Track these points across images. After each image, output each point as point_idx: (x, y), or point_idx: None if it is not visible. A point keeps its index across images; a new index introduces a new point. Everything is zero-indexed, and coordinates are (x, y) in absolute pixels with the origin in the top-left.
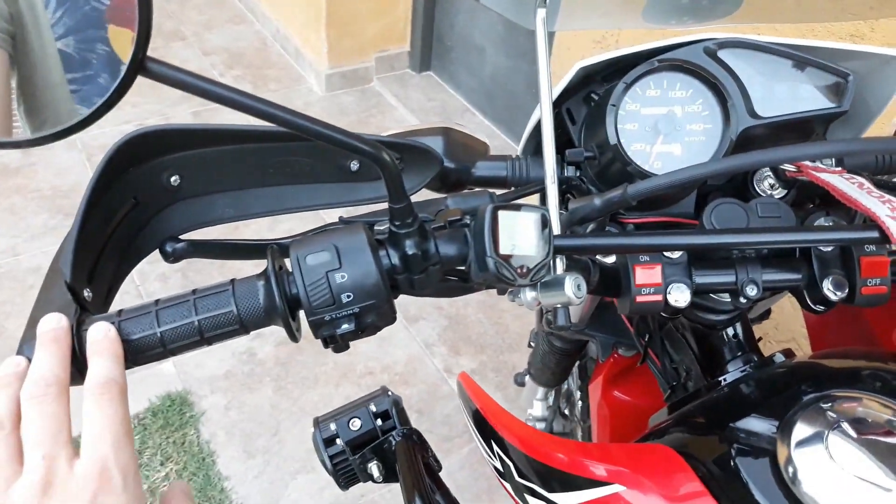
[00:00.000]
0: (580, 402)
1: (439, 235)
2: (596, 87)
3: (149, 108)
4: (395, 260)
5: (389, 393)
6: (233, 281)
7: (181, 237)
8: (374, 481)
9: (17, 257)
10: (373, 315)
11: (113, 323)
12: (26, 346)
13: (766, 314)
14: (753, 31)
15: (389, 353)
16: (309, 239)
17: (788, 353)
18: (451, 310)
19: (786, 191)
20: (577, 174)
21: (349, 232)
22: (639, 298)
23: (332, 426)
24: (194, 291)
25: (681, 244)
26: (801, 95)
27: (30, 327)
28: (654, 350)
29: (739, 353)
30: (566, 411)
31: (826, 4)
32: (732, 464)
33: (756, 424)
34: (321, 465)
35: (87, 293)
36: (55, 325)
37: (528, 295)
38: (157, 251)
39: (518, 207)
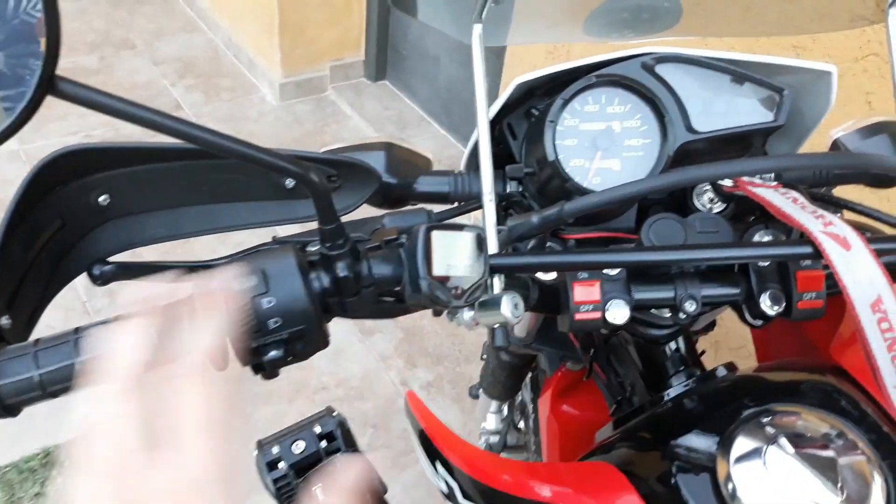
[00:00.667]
0: (532, 415)
1: (373, 256)
2: (536, 103)
3: (96, 119)
4: (326, 283)
5: (335, 413)
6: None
7: (110, 259)
8: None
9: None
10: (302, 341)
11: (28, 354)
12: None
13: (711, 326)
14: (702, 43)
15: (344, 367)
16: (236, 262)
17: (731, 367)
18: (408, 322)
19: (725, 205)
20: (520, 190)
21: (278, 255)
22: (578, 316)
23: (275, 449)
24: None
25: (618, 261)
26: (739, 110)
27: None
28: (600, 364)
29: (682, 368)
30: (520, 424)
31: (766, 18)
32: (673, 481)
33: (697, 440)
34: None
35: (5, 321)
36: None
37: (466, 315)
38: (85, 274)
39: (453, 227)
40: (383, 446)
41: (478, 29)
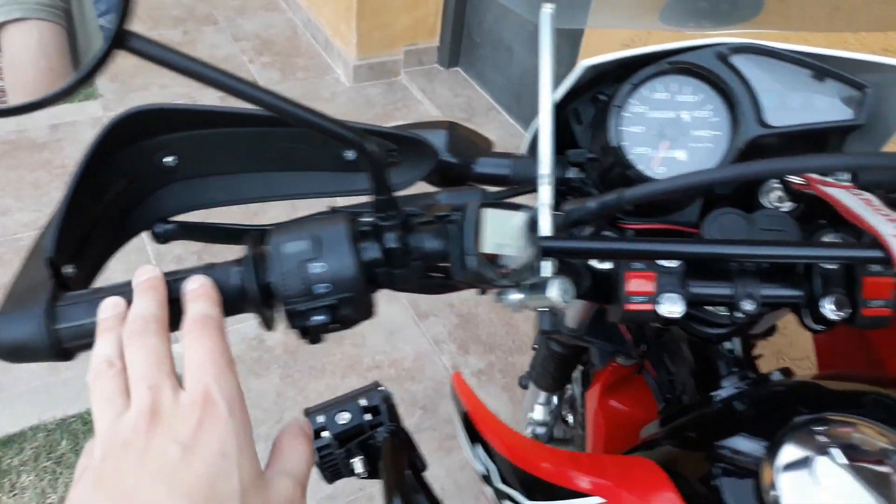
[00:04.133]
0: (581, 410)
1: (424, 230)
2: (605, 88)
3: (177, 90)
4: (376, 253)
5: (381, 388)
6: (211, 265)
7: (172, 219)
8: (358, 476)
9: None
10: (349, 308)
11: (84, 302)
12: (3, 319)
13: (772, 331)
14: (782, 38)
15: (398, 347)
16: (289, 226)
17: (787, 372)
18: (463, 308)
19: (794, 204)
20: (582, 176)
21: (330, 222)
22: (629, 306)
23: (321, 418)
24: (169, 274)
25: (673, 251)
26: (816, 106)
27: (7, 301)
28: (651, 361)
29: (735, 370)
30: (569, 418)
31: (855, 13)
32: (715, 483)
33: (743, 444)
34: None
35: (70, 270)
36: (150, 274)
37: (513, 297)
38: (147, 232)
39: (506, 206)
40: (430, 428)
41: (547, 8)
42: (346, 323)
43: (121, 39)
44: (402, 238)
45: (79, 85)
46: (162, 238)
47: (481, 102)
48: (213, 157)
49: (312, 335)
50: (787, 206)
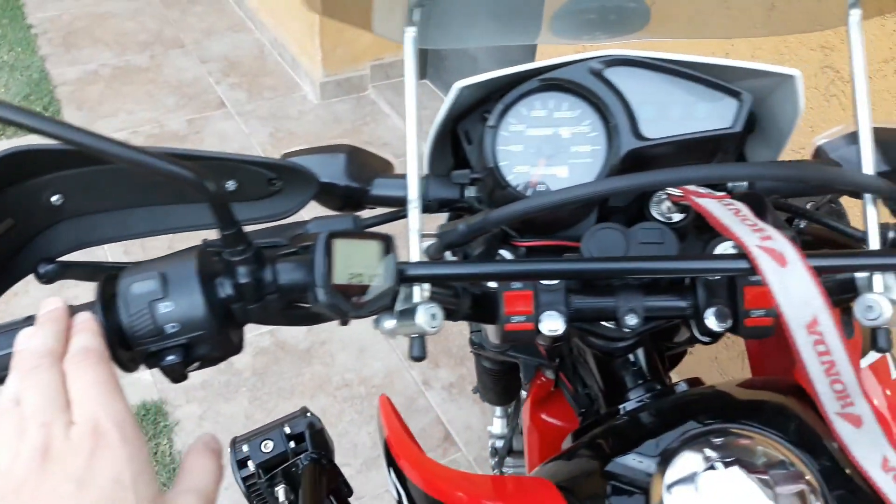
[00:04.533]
0: None
1: (282, 262)
2: (491, 107)
3: (143, 115)
4: (228, 289)
5: (308, 414)
6: (69, 307)
7: (58, 258)
8: None
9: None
10: (205, 346)
11: None
12: None
13: (691, 341)
14: (668, 46)
15: (368, 364)
16: (142, 265)
17: (694, 382)
18: None
19: (683, 215)
20: (477, 196)
21: (181, 259)
22: (509, 326)
23: (245, 448)
24: (26, 319)
25: (538, 271)
26: (695, 115)
27: None
28: (566, 374)
29: (640, 382)
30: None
31: (750, 19)
32: (607, 502)
33: (636, 460)
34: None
35: None
36: (50, 307)
37: (387, 324)
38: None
39: (361, 235)
40: None
41: (410, 32)
42: (208, 361)
43: None
44: (255, 272)
45: None
46: (45, 278)
47: None
48: (97, 193)
49: (172, 375)
50: (677, 216)
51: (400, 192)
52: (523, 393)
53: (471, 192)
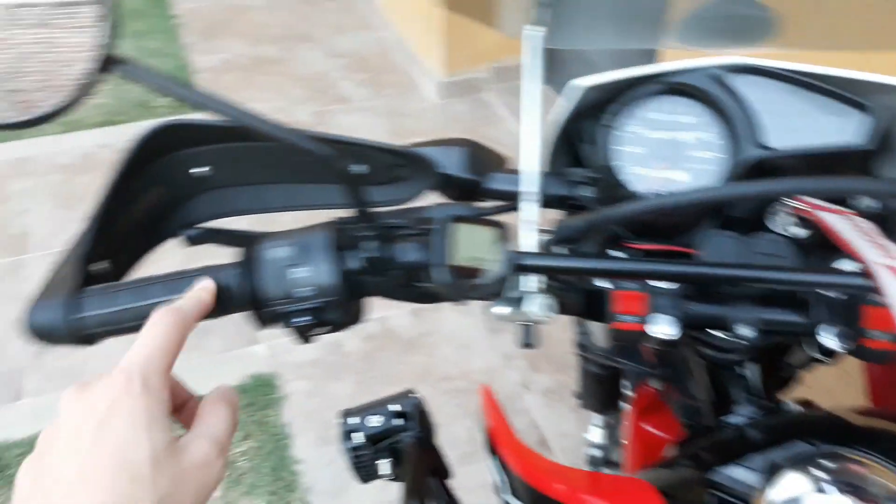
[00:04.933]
0: None
1: (405, 241)
2: (610, 107)
3: (273, 104)
4: (357, 262)
5: (413, 395)
6: (208, 267)
7: (199, 225)
8: (385, 478)
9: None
10: (334, 312)
11: (99, 295)
12: (33, 305)
13: (809, 362)
14: (796, 58)
15: (470, 360)
16: (279, 235)
17: (806, 403)
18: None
19: (807, 230)
20: (591, 195)
21: (316, 230)
22: (616, 325)
23: (355, 419)
24: (175, 273)
25: (648, 271)
26: (821, 129)
27: (41, 290)
28: (674, 384)
29: (750, 397)
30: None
31: (880, 31)
32: None
33: (741, 474)
34: None
35: (105, 265)
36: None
37: (499, 309)
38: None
39: (480, 221)
40: None
41: (530, 30)
42: (335, 325)
43: (107, 64)
44: (380, 248)
45: (63, 110)
46: (191, 241)
47: None
48: (240, 168)
49: (301, 335)
50: (799, 231)
51: (512, 187)
52: (623, 405)
53: (583, 191)
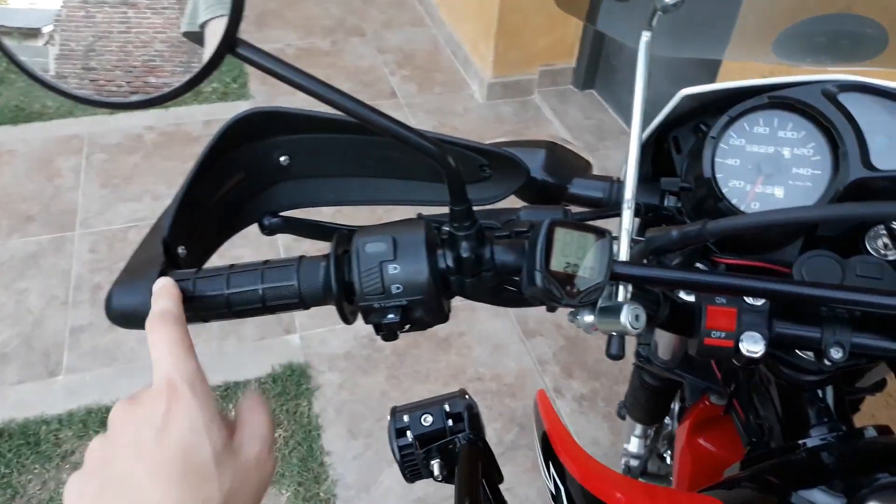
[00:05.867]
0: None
1: (499, 243)
2: (708, 119)
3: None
4: (449, 261)
5: (466, 396)
6: (301, 258)
7: (279, 213)
8: (435, 479)
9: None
10: (420, 310)
11: (189, 279)
12: (117, 288)
13: (881, 385)
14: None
15: (502, 362)
16: (373, 229)
17: (884, 430)
18: (571, 331)
19: None
20: (678, 205)
21: (410, 227)
22: (707, 341)
23: (406, 418)
24: (265, 262)
25: (749, 287)
26: None
27: (123, 273)
28: (740, 401)
29: (825, 420)
30: (666, 454)
31: None
32: None
33: (822, 498)
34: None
35: (181, 250)
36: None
37: (585, 318)
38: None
39: (581, 227)
40: (526, 447)
41: (645, 36)
42: (419, 325)
43: (231, 45)
44: (475, 249)
45: (188, 87)
46: (267, 230)
47: (613, 126)
48: (322, 159)
49: (386, 332)
50: (894, 254)
51: (597, 194)
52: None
53: (671, 201)
